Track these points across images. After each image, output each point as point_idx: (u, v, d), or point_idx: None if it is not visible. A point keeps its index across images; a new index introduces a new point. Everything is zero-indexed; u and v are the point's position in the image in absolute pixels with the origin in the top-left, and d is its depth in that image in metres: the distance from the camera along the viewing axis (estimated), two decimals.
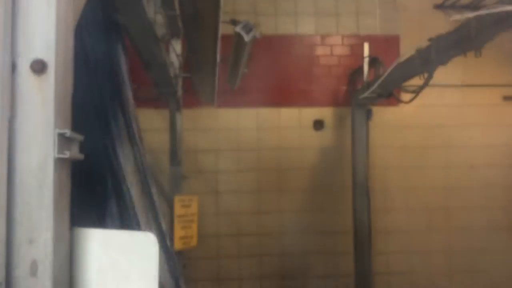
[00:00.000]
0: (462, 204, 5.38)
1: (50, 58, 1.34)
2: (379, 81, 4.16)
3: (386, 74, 4.04)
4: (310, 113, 5.35)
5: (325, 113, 5.37)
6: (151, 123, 5.13)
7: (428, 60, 3.47)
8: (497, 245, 5.35)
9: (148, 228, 2.48)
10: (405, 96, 4.45)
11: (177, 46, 4.15)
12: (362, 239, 4.91)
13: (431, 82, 3.78)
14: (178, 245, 4.38)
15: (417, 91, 4.01)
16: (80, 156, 1.64)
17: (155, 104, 4.90)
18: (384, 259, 5.28)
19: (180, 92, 4.50)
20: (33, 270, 1.36)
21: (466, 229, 5.37)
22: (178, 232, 4.40)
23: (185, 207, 4.47)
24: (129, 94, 2.54)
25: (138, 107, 4.99)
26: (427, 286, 5.27)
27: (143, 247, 1.52)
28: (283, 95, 5.35)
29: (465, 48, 3.19)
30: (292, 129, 5.33)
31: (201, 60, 3.28)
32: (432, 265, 5.31)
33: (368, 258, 4.89)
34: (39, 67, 1.33)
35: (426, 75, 3.74)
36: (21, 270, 1.35)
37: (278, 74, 5.36)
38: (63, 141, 1.45)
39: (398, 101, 4.66)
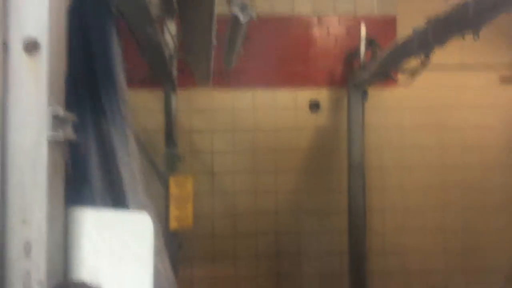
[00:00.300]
0: (457, 184, 5.44)
1: (43, 37, 1.32)
2: (376, 62, 4.15)
3: (383, 55, 4.02)
4: (306, 95, 5.34)
5: (321, 94, 5.36)
6: (146, 104, 5.12)
7: (425, 41, 3.45)
8: (491, 225, 5.43)
9: (138, 208, 2.49)
10: (402, 78, 4.45)
11: (171, 27, 4.11)
12: (357, 218, 4.97)
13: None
14: (173, 225, 4.43)
15: (414, 74, 4.01)
16: (74, 136, 1.64)
17: (150, 85, 4.89)
18: (379, 237, 5.36)
19: (175, 73, 4.48)
20: (27, 251, 1.36)
21: (460, 208, 5.44)
22: (173, 212, 4.44)
23: (180, 187, 4.50)
24: (121, 76, 2.52)
25: (133, 88, 4.98)
26: (422, 263, 5.37)
27: (138, 227, 1.52)
28: (279, 76, 5.33)
29: (463, 30, 3.17)
30: (288, 110, 5.33)
31: (196, 40, 3.24)
32: (426, 243, 5.40)
33: (362, 236, 4.97)
34: (31, 46, 1.31)
35: (423, 56, 3.73)
36: (14, 251, 1.35)
37: (274, 55, 5.33)
38: (57, 121, 1.45)
39: (394, 82, 4.66)
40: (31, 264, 1.37)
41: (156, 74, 4.19)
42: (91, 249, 1.61)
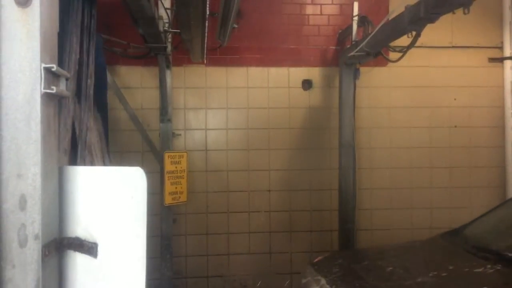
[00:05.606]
0: (445, 163, 5.50)
1: None
2: (368, 38, 4.15)
3: (374, 31, 4.03)
4: (299, 73, 5.36)
5: (314, 72, 5.37)
6: (141, 81, 5.13)
7: (416, 17, 3.46)
8: (477, 203, 5.52)
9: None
10: (393, 56, 4.47)
11: (165, 1, 4.11)
12: (347, 196, 5.01)
13: (419, 43, 3.80)
14: (168, 200, 4.48)
15: (405, 50, 4.03)
16: (67, 93, 1.65)
17: (145, 61, 4.90)
18: (367, 215, 5.43)
19: (169, 48, 4.48)
20: (22, 204, 1.38)
21: (448, 187, 5.51)
22: (168, 188, 4.49)
23: (175, 163, 4.54)
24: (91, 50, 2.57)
25: (128, 65, 5.03)
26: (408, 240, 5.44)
27: (131, 182, 1.53)
28: (272, 54, 5.33)
29: (454, 5, 3.19)
30: (281, 88, 5.34)
31: (190, 14, 3.25)
32: (413, 222, 5.48)
33: (352, 214, 5.01)
34: None
35: (414, 33, 3.74)
36: (9, 204, 1.37)
37: (267, 33, 5.32)
38: (50, 76, 1.45)
39: (386, 60, 4.67)
40: (26, 217, 1.39)
41: (151, 49, 4.18)
42: (85, 205, 1.62)
